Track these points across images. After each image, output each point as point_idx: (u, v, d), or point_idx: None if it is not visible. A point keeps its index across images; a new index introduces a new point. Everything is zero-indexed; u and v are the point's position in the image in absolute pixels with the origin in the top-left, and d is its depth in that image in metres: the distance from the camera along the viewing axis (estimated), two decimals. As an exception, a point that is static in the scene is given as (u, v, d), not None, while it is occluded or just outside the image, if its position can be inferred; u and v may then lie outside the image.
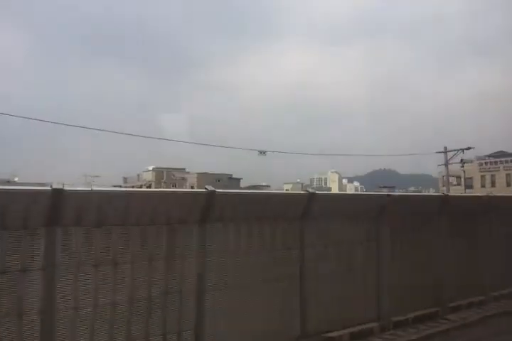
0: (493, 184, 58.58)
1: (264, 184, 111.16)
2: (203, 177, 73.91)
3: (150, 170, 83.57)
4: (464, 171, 65.61)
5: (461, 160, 40.48)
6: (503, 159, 58.93)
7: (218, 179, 72.23)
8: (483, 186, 59.04)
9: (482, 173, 59.76)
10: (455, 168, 72.49)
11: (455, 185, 68.40)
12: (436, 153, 39.74)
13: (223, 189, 6.06)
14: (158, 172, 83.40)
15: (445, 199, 9.76)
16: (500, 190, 55.85)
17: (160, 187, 77.11)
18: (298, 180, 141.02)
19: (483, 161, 60.57)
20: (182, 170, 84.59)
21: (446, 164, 39.61)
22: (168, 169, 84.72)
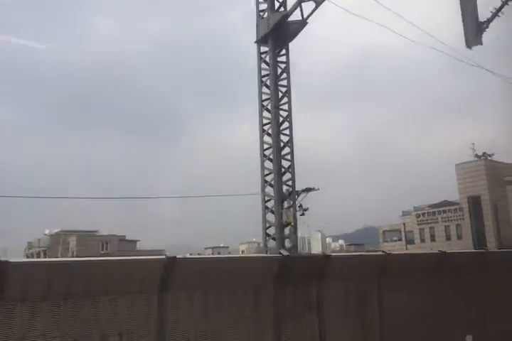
0: (432, 238, 62.23)
1: (222, 245, 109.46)
2: (83, 240, 71.73)
3: (46, 235, 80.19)
4: (404, 224, 69.50)
5: (300, 206, 30.29)
6: (440, 209, 60.03)
7: (106, 241, 69.70)
8: (422, 241, 62.31)
9: (420, 226, 62.46)
10: (396, 221, 76.18)
11: (396, 241, 71.70)
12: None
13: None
14: (54, 236, 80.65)
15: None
16: (440, 245, 59.45)
17: (56, 252, 73.52)
18: (254, 240, 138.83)
19: (420, 212, 62.35)
20: (93, 232, 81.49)
21: (295, 211, 33.79)
22: (75, 232, 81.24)
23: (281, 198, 13.66)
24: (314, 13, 12.84)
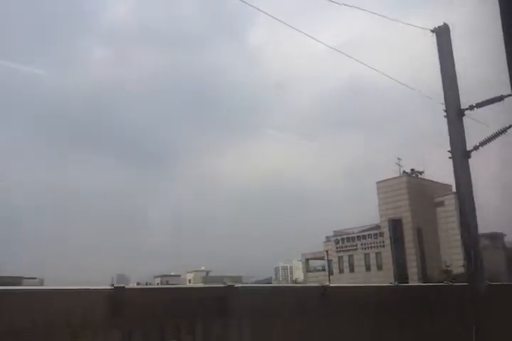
0: (351, 267, 53.94)
1: (173, 273, 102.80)
2: None
3: None
4: (327, 251, 61.09)
5: None
6: (360, 234, 52.54)
7: None
8: (341, 271, 53.96)
9: (339, 254, 54.85)
10: (320, 248, 67.59)
11: (319, 270, 63.32)
12: None
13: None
14: None
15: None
16: (359, 277, 51.00)
17: None
18: (202, 268, 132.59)
19: (339, 238, 54.65)
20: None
21: None
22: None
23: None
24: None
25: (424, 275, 47.19)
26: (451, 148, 11.42)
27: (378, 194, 50.96)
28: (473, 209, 10.61)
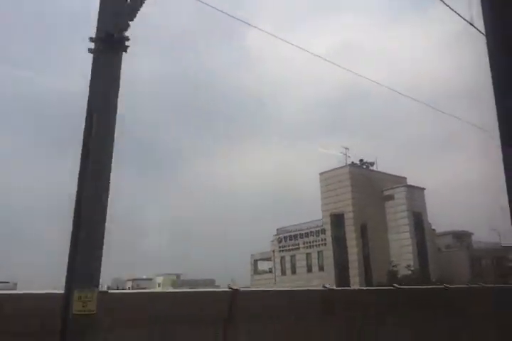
0: (293, 269, 49.63)
1: (144, 277, 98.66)
2: None
3: None
4: (274, 252, 56.69)
5: None
6: (302, 231, 47.40)
7: None
8: (284, 273, 49.54)
9: (282, 254, 50.71)
10: (267, 248, 63.17)
11: (268, 272, 59.07)
12: None
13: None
14: None
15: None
16: (300, 279, 46.64)
17: None
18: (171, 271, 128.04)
19: (282, 236, 49.69)
20: None
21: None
22: None
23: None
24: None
25: (367, 277, 42.90)
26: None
27: (321, 186, 46.54)
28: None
